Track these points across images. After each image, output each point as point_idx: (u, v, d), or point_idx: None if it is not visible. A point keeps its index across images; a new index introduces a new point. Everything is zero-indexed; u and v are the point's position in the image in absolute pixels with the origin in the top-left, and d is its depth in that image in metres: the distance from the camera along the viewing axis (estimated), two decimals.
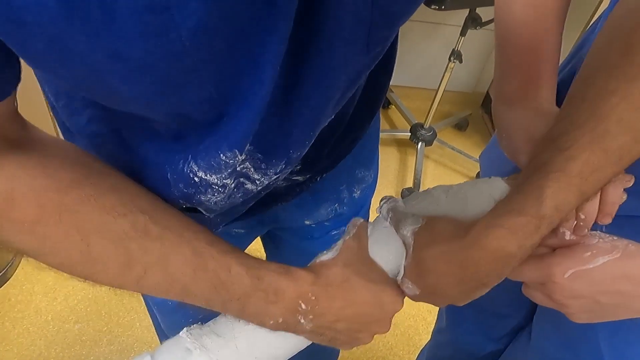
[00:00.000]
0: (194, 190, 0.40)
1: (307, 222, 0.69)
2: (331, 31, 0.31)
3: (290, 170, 0.44)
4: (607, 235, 0.42)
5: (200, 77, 0.30)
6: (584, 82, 0.39)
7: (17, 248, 0.34)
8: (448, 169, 2.10)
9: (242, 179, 0.42)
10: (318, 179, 0.59)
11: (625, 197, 0.42)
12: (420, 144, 2.01)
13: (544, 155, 0.39)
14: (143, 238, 0.36)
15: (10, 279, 1.45)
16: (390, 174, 2.02)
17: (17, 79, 0.31)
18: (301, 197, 0.60)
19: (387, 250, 0.47)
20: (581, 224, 0.41)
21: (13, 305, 1.40)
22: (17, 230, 0.34)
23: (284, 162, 0.41)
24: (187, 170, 0.38)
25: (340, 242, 0.48)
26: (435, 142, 2.05)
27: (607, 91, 0.36)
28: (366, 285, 0.44)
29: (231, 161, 0.37)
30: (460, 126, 2.30)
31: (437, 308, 0.98)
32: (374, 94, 0.53)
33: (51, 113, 0.50)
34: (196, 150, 0.37)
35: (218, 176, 0.38)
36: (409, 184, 1.96)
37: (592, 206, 0.41)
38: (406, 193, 1.90)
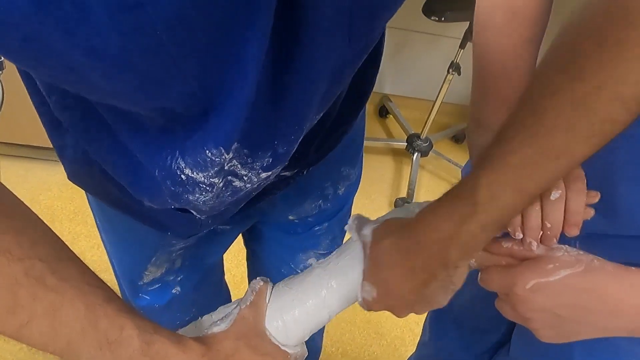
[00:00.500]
0: (181, 188, 0.40)
1: (291, 217, 0.70)
2: (311, 22, 0.31)
3: (279, 167, 0.43)
4: (574, 250, 0.42)
5: (181, 72, 0.30)
6: (534, 79, 0.40)
7: None
8: (443, 180, 2.10)
9: (230, 177, 0.42)
10: (305, 172, 0.59)
11: (592, 213, 0.42)
12: (416, 154, 2.00)
13: (489, 151, 0.40)
14: (35, 286, 0.35)
15: None
16: (385, 182, 2.01)
17: None
18: (287, 191, 0.60)
19: (286, 318, 0.47)
20: (548, 233, 0.41)
21: None
22: None
23: (269, 154, 0.40)
24: (174, 167, 0.38)
25: (235, 312, 0.48)
26: (431, 153, 2.05)
27: (549, 90, 0.36)
28: (255, 359, 0.44)
29: (217, 159, 0.36)
30: (457, 138, 2.29)
31: (424, 319, 0.98)
32: (362, 86, 0.53)
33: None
34: (183, 147, 0.37)
35: (205, 174, 0.38)
36: (403, 193, 1.96)
37: (558, 215, 0.41)
38: (399, 202, 1.90)
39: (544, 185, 0.39)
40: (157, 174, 0.39)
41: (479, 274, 0.47)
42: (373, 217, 0.52)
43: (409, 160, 2.06)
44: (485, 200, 0.38)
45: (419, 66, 2.21)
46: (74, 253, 0.40)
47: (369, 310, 0.48)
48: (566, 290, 0.40)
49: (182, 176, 0.38)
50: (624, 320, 0.40)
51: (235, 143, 0.36)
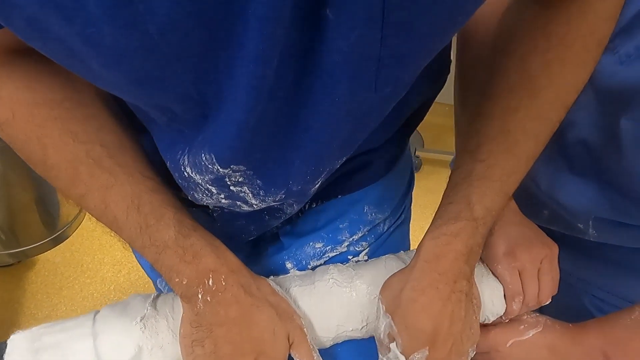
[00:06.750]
0: (185, 184, 0.42)
1: (288, 266, 0.58)
2: (336, 65, 0.30)
3: (292, 201, 0.44)
4: (531, 313, 0.54)
5: (176, 73, 0.30)
6: (488, 100, 0.45)
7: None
8: None
9: (239, 202, 0.43)
10: (306, 207, 0.56)
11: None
12: None
13: (466, 167, 0.45)
14: (93, 166, 0.39)
15: (86, 249, 1.62)
16: None
17: None
18: (287, 231, 0.56)
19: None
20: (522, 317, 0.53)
21: (84, 272, 1.56)
22: None
23: (283, 192, 0.41)
24: (181, 162, 0.39)
25: None
26: None
27: (511, 108, 0.43)
28: (271, 317, 0.43)
29: (210, 166, 0.37)
30: None
31: None
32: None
33: None
34: (191, 145, 0.38)
35: (201, 177, 0.39)
36: None
37: (535, 307, 0.53)
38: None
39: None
40: (168, 165, 0.41)
41: None
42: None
43: None
44: (482, 214, 0.44)
45: None
46: (137, 146, 0.43)
47: None
48: (532, 346, 0.52)
49: (185, 173, 0.40)
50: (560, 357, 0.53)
51: (241, 166, 0.37)
